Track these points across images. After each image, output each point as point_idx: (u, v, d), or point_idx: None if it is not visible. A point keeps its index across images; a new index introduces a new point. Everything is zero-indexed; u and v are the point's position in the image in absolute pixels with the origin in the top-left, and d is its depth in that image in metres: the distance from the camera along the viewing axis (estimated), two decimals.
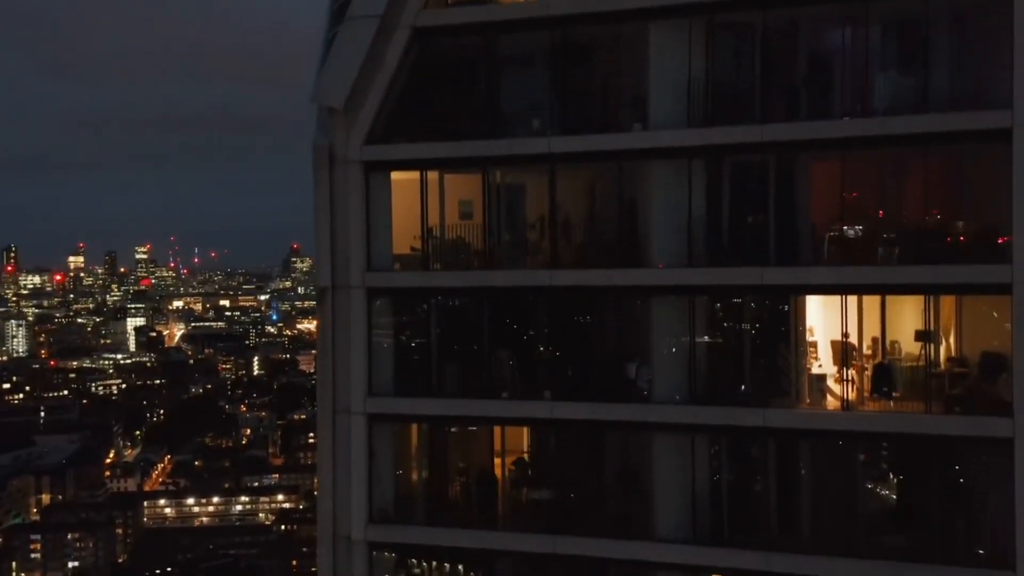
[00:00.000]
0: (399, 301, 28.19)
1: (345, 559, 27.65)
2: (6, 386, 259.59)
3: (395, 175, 28.16)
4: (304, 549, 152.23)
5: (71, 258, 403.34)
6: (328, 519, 27.98)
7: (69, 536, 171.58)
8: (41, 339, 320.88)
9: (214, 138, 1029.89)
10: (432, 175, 27.87)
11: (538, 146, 26.39)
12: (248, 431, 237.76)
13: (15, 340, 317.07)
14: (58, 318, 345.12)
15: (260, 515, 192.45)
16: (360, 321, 27.64)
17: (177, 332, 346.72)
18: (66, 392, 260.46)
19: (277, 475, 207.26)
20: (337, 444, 27.99)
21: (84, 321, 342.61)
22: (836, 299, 25.09)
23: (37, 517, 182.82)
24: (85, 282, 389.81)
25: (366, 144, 27.30)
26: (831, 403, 25.17)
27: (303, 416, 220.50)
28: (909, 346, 25.42)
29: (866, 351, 25.49)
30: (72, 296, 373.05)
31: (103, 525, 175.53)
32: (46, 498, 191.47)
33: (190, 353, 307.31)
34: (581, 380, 26.91)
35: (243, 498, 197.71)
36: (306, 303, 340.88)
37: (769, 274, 24.80)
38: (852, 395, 24.99)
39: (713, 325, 26.20)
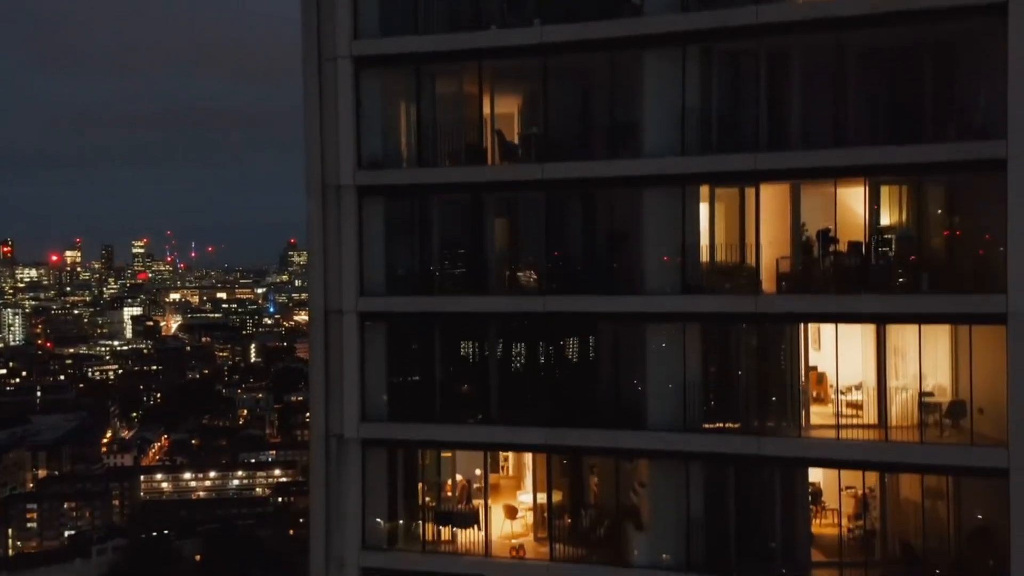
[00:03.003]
0: None
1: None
2: (2, 372, 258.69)
3: None
4: (301, 520, 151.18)
5: (68, 253, 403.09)
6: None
7: (65, 506, 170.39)
8: (37, 330, 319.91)
9: (212, 134, 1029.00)
10: None
11: None
12: (245, 412, 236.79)
13: (12, 329, 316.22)
14: (55, 311, 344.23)
15: (257, 490, 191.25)
16: None
17: (174, 324, 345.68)
18: (62, 377, 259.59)
19: (274, 452, 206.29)
20: (324, 93, 27.69)
21: (80, 312, 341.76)
22: None
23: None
24: (82, 277, 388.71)
25: None
26: None
27: (300, 398, 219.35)
28: None
29: None
30: (69, 289, 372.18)
31: (100, 495, 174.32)
32: (42, 473, 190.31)
33: (187, 341, 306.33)
34: (569, 8, 26.47)
35: (240, 473, 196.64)
36: (303, 295, 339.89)
37: None
38: None
39: None
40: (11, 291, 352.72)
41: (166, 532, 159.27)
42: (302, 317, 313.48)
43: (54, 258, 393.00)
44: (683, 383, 25.83)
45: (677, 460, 25.88)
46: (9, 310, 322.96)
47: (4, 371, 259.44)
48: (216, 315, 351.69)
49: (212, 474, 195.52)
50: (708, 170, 25.46)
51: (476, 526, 27.86)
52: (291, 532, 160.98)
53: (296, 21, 27.79)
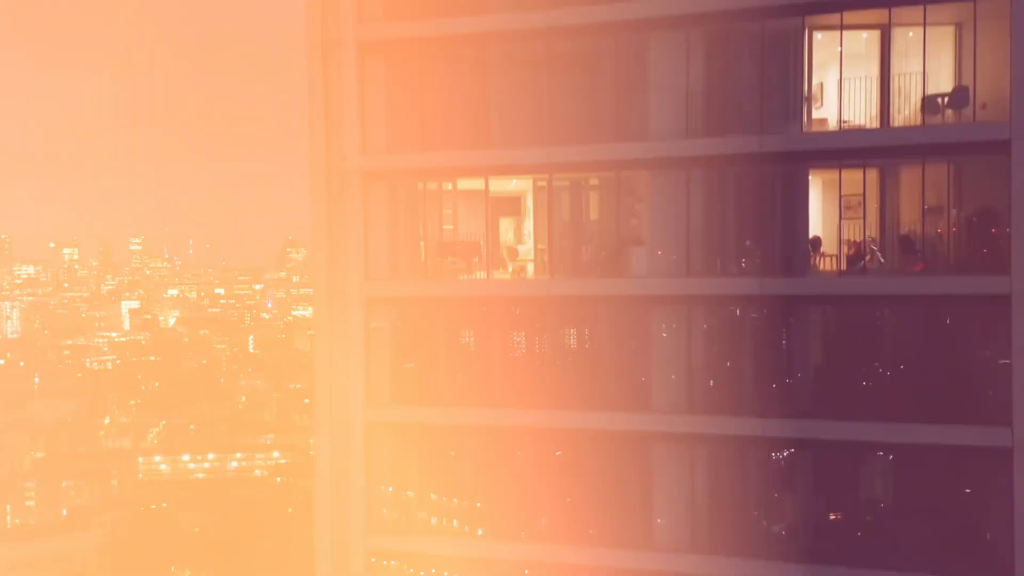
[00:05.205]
0: None
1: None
2: (0, 362, 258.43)
3: None
4: (300, 499, 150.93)
5: (66, 250, 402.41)
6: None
7: (63, 484, 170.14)
8: (36, 325, 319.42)
9: (213, 134, 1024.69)
10: None
11: None
12: (243, 399, 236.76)
13: (9, 321, 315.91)
14: (52, 306, 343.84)
15: (256, 471, 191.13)
16: None
17: (172, 318, 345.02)
18: (60, 368, 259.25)
19: (273, 435, 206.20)
20: None
21: (78, 307, 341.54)
22: None
23: None
24: (80, 274, 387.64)
25: None
26: None
27: (299, 387, 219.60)
28: None
29: None
30: (66, 285, 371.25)
31: (98, 474, 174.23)
32: (40, 454, 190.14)
33: (185, 334, 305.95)
34: None
35: (238, 454, 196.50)
36: (301, 291, 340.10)
37: None
38: None
39: None
40: (8, 287, 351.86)
41: (164, 505, 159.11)
42: (300, 313, 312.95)
43: (51, 245, 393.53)
44: (685, 94, 25.67)
45: (677, 168, 25.73)
46: (7, 303, 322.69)
47: (3, 361, 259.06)
48: (214, 310, 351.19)
49: (211, 456, 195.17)
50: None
51: (477, 259, 27.72)
52: (290, 510, 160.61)
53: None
